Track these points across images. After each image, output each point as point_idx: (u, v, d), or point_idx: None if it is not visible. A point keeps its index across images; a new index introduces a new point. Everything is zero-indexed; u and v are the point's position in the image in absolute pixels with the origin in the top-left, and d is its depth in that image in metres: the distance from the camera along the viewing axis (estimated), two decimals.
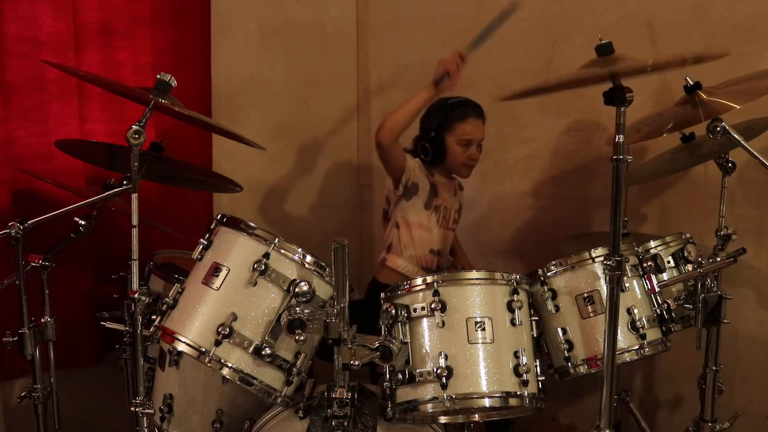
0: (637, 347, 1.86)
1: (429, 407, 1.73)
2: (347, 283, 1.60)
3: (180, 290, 1.81)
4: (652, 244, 2.05)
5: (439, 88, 2.30)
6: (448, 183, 2.54)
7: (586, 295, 1.88)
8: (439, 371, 1.70)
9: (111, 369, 2.42)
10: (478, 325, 1.75)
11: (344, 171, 3.39)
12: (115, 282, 2.36)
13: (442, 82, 2.29)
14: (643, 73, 1.68)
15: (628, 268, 1.86)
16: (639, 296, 1.90)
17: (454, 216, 2.57)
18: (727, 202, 2.06)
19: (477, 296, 1.79)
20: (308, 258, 1.79)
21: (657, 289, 1.91)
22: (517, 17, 2.81)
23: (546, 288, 1.91)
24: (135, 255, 1.68)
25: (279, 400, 1.79)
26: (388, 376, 1.77)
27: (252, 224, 1.80)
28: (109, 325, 1.96)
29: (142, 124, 1.67)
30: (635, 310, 1.86)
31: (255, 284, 1.75)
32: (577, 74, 1.77)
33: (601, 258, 1.79)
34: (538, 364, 1.82)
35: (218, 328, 1.71)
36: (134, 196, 1.69)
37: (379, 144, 2.31)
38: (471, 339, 1.74)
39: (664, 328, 1.90)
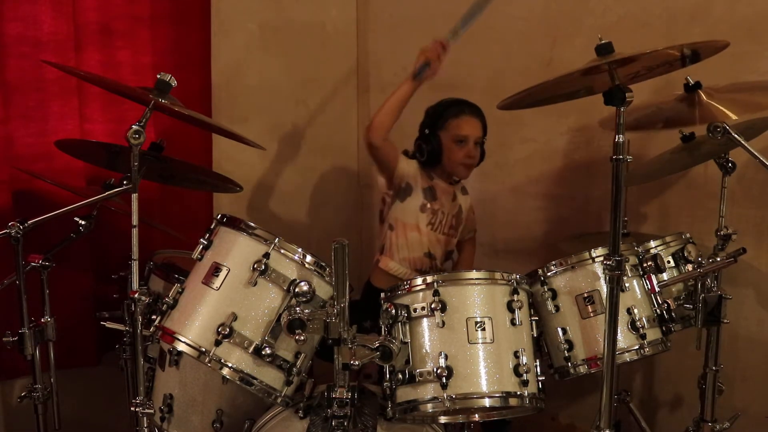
0: (637, 347, 1.86)
1: (429, 407, 1.73)
2: (347, 283, 1.60)
3: (180, 290, 1.81)
4: (652, 244, 2.05)
5: (420, 79, 2.27)
6: (448, 188, 2.52)
7: (586, 295, 1.87)
8: (439, 371, 1.70)
9: (111, 369, 2.42)
10: (478, 325, 1.75)
11: (344, 171, 3.39)
12: (115, 282, 2.36)
13: (423, 72, 2.26)
14: (641, 66, 1.68)
15: (628, 268, 1.86)
16: (639, 296, 1.90)
17: (451, 221, 2.53)
18: (727, 202, 2.06)
19: (477, 296, 1.79)
20: (308, 258, 1.79)
21: (657, 289, 1.91)
22: (517, 17, 2.82)
23: (546, 288, 1.90)
24: (135, 255, 1.68)
25: (279, 400, 1.79)
26: (388, 376, 1.77)
27: (252, 224, 1.80)
28: (109, 325, 1.96)
29: (142, 124, 1.67)
30: (635, 310, 1.86)
31: (255, 284, 1.75)
32: (575, 82, 1.76)
33: (601, 258, 1.79)
34: (538, 364, 1.82)
35: (218, 328, 1.71)
36: (134, 196, 1.69)
37: (370, 143, 2.32)
38: (471, 339, 1.74)
39: (664, 328, 1.89)
